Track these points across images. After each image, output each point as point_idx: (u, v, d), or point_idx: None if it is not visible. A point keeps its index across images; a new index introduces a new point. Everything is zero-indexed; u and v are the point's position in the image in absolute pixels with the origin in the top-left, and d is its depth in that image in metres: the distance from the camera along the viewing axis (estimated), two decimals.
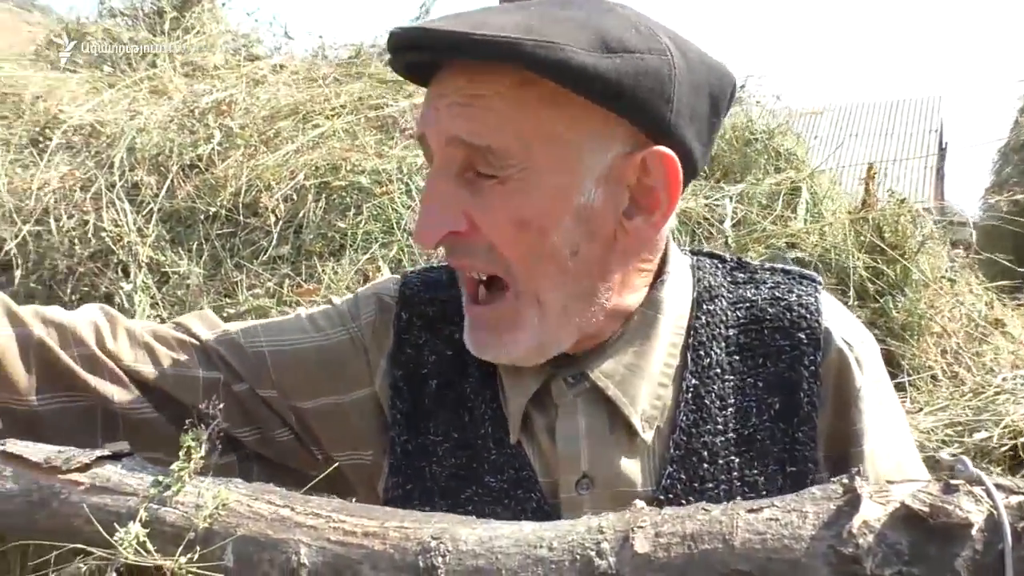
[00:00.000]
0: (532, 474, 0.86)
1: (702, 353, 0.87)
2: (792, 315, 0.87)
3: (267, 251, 2.07)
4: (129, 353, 0.89)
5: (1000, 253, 2.68)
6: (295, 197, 2.16)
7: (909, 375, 1.98)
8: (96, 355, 0.88)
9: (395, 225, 2.08)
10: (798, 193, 2.34)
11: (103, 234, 2.08)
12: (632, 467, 0.84)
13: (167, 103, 2.53)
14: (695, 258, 0.94)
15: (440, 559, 0.65)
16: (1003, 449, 1.73)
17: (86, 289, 2.05)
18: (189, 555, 0.69)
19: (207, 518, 0.71)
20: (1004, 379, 1.98)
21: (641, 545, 0.63)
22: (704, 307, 0.89)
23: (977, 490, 0.59)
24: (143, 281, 2.02)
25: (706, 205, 2.24)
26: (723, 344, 0.87)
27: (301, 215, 2.12)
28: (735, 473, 0.84)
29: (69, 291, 2.04)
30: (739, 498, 0.73)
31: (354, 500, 0.80)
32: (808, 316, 0.87)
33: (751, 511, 0.63)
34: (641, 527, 0.64)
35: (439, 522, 0.69)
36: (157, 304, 2.02)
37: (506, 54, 0.73)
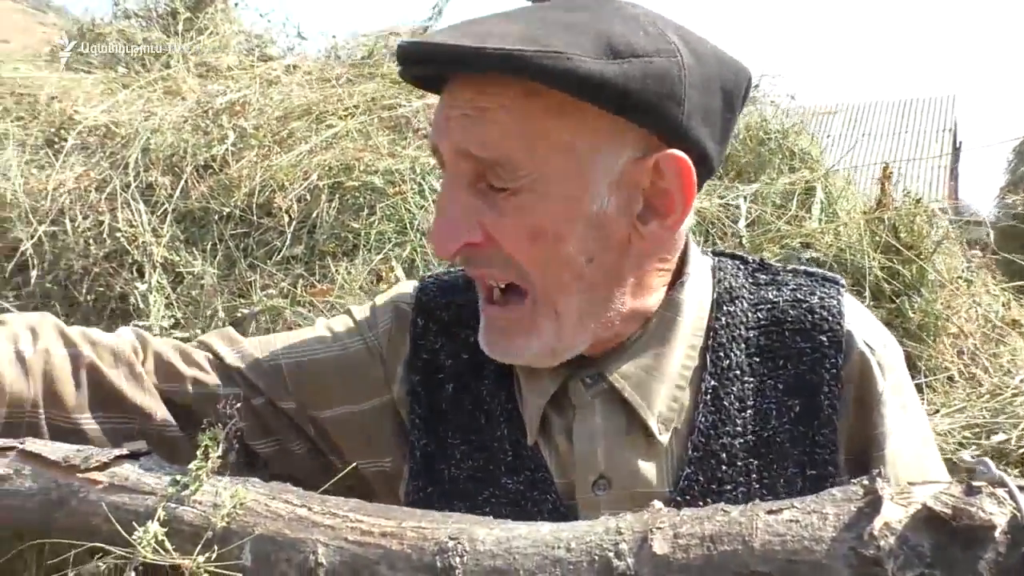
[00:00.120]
0: (548, 475, 0.86)
1: (721, 355, 0.86)
2: (814, 317, 0.86)
3: (281, 251, 2.08)
4: (162, 373, 0.92)
5: (1017, 253, 2.66)
6: (308, 197, 2.16)
7: (925, 376, 1.96)
8: (141, 375, 0.90)
9: (408, 225, 2.08)
10: (813, 193, 2.32)
11: (118, 234, 2.09)
12: (649, 468, 0.84)
13: (181, 104, 2.54)
14: (717, 259, 0.94)
15: (458, 559, 0.65)
16: (1021, 451, 1.71)
17: (101, 289, 2.07)
18: (207, 554, 0.69)
19: (225, 517, 0.71)
20: (1022, 380, 1.96)
21: (660, 546, 0.62)
22: (724, 308, 0.88)
23: (1000, 492, 0.59)
24: (158, 281, 2.03)
25: (720, 205, 2.23)
26: (743, 346, 0.87)
27: (315, 215, 2.13)
28: (753, 475, 0.84)
29: (84, 291, 2.05)
30: (757, 500, 0.73)
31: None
32: (830, 319, 0.86)
33: (771, 512, 0.62)
34: (660, 528, 0.64)
35: (456, 522, 0.69)
36: (171, 304, 2.02)
37: (510, 67, 0.72)
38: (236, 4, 3.46)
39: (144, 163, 2.25)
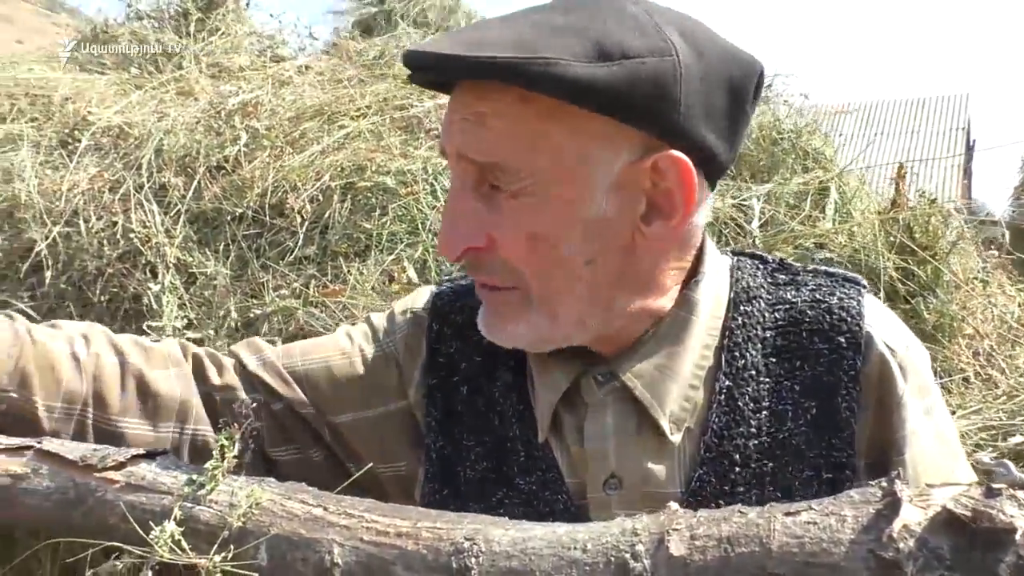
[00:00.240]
0: (559, 475, 0.86)
1: (737, 355, 0.85)
2: (832, 318, 0.85)
3: (293, 252, 2.08)
4: (199, 378, 0.95)
5: None
6: (321, 198, 2.16)
7: (941, 377, 1.95)
8: (188, 377, 0.94)
9: (420, 226, 2.08)
10: (826, 193, 2.30)
11: (131, 235, 2.09)
12: (660, 468, 0.84)
13: (193, 104, 2.55)
14: (735, 259, 0.93)
15: (473, 560, 0.65)
16: None
17: (115, 290, 2.07)
18: (223, 554, 0.69)
19: (241, 517, 0.71)
20: None
21: (676, 548, 0.62)
22: (741, 308, 0.87)
23: (1021, 495, 0.58)
24: (171, 282, 2.04)
25: (733, 205, 2.22)
26: (759, 346, 0.86)
27: (327, 216, 2.13)
28: (767, 477, 0.83)
29: (98, 292, 2.06)
30: (773, 502, 0.72)
31: None
32: (849, 319, 0.84)
33: (788, 514, 0.62)
34: (676, 529, 0.63)
35: (472, 523, 0.69)
36: (184, 305, 2.03)
37: (499, 74, 0.73)
38: (248, 5, 3.48)
39: (157, 164, 2.26)
